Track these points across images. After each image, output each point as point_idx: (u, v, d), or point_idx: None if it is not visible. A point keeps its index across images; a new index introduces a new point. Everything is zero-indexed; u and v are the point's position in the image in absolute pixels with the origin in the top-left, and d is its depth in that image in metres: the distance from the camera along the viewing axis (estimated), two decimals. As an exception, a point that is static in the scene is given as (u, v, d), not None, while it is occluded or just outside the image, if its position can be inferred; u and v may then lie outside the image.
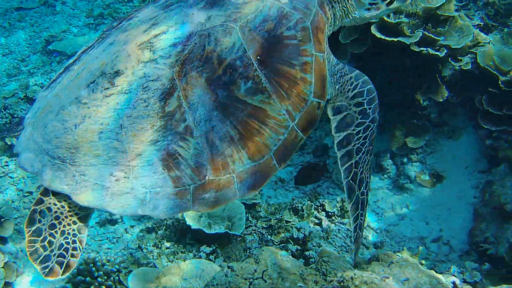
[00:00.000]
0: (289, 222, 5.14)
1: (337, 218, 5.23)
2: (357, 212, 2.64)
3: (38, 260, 2.31)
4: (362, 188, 2.65)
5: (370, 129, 2.67)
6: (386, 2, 2.86)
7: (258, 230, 5.20)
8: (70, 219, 2.41)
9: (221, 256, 4.96)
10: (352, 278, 2.63)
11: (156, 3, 2.59)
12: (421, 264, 4.06)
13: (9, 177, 7.11)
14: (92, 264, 4.86)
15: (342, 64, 2.77)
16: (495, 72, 4.94)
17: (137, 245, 5.53)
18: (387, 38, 4.71)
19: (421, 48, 4.73)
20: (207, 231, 4.96)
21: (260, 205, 5.50)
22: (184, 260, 4.90)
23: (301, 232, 4.84)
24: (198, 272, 4.37)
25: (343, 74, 2.72)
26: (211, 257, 4.93)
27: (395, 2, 2.86)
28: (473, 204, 5.04)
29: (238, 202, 5.25)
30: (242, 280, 3.02)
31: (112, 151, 2.23)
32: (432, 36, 4.70)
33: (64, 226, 2.39)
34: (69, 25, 10.32)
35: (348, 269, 3.02)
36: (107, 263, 4.91)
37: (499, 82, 4.87)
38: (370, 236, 5.12)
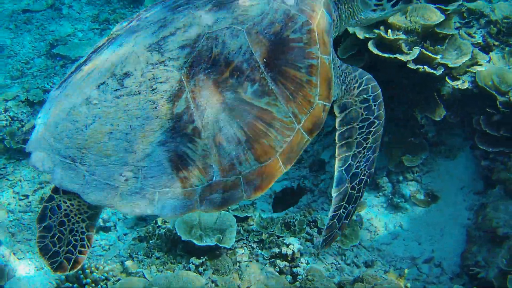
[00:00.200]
0: (281, 237, 5.09)
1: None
2: (341, 204, 2.60)
3: (48, 255, 2.41)
4: (354, 183, 2.61)
5: (374, 125, 2.67)
6: (391, 3, 2.87)
7: (249, 244, 5.15)
8: (79, 217, 2.50)
9: (210, 269, 4.90)
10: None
11: (165, 3, 2.60)
12: (406, 287, 3.99)
13: (6, 179, 7.13)
14: (80, 271, 4.84)
15: (346, 64, 2.81)
16: (493, 92, 4.88)
17: (128, 254, 5.51)
18: (384, 55, 4.67)
19: (418, 66, 4.68)
20: (197, 243, 4.91)
21: (253, 219, 5.45)
22: (173, 271, 4.87)
23: (290, 249, 4.77)
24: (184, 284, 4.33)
25: (347, 74, 2.76)
26: (200, 269, 4.88)
27: (400, 3, 2.87)
28: (467, 226, 4.95)
29: (230, 215, 5.21)
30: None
31: (122, 152, 2.27)
32: (429, 54, 4.65)
33: (73, 223, 2.48)
34: (74, 29, 10.39)
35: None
36: (96, 271, 4.90)
37: (497, 103, 4.81)
38: (362, 254, 5.05)
